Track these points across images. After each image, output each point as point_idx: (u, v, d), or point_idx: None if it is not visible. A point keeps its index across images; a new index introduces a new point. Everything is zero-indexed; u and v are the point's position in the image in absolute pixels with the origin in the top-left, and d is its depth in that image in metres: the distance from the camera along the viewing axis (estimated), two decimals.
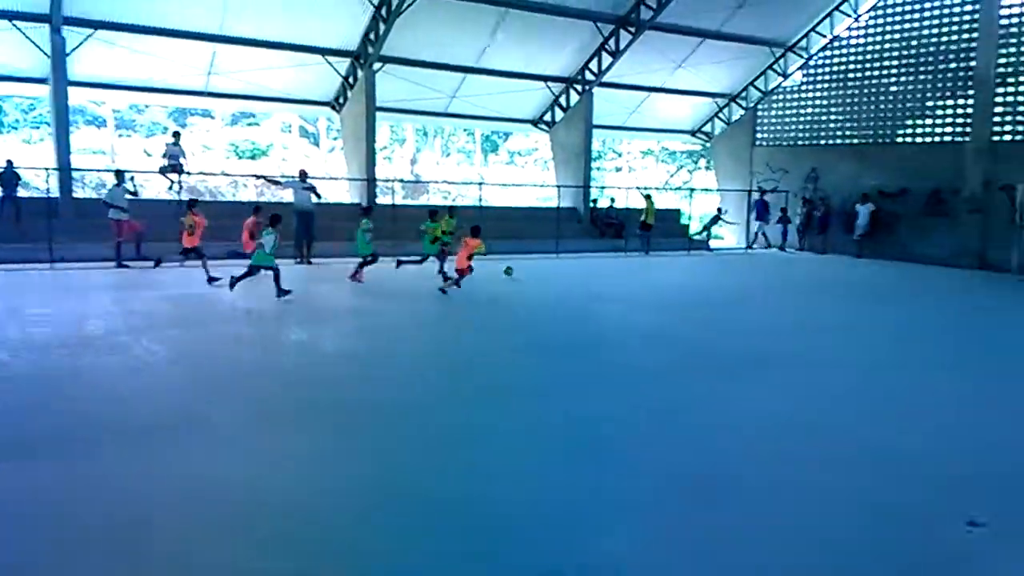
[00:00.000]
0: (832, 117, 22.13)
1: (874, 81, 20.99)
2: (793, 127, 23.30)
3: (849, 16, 21.52)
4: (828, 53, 22.21)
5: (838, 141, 21.98)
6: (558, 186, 22.96)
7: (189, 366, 7.21)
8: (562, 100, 22.65)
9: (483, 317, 10.89)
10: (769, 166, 23.84)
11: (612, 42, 20.56)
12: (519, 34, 19.51)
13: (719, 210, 24.06)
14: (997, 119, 18.24)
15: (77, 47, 15.95)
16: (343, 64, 19.21)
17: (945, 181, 19.20)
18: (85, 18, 15.75)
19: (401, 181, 30.30)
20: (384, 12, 17.29)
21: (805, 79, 22.94)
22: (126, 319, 9.32)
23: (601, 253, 20.07)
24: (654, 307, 11.86)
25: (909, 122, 20.25)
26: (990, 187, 18.19)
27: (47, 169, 15.91)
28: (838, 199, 21.78)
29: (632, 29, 20.01)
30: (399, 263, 14.19)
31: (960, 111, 19.11)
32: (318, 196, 16.33)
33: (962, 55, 18.97)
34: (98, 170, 25.15)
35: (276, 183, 18.39)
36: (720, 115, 25.39)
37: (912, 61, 20.09)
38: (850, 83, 21.59)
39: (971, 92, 18.69)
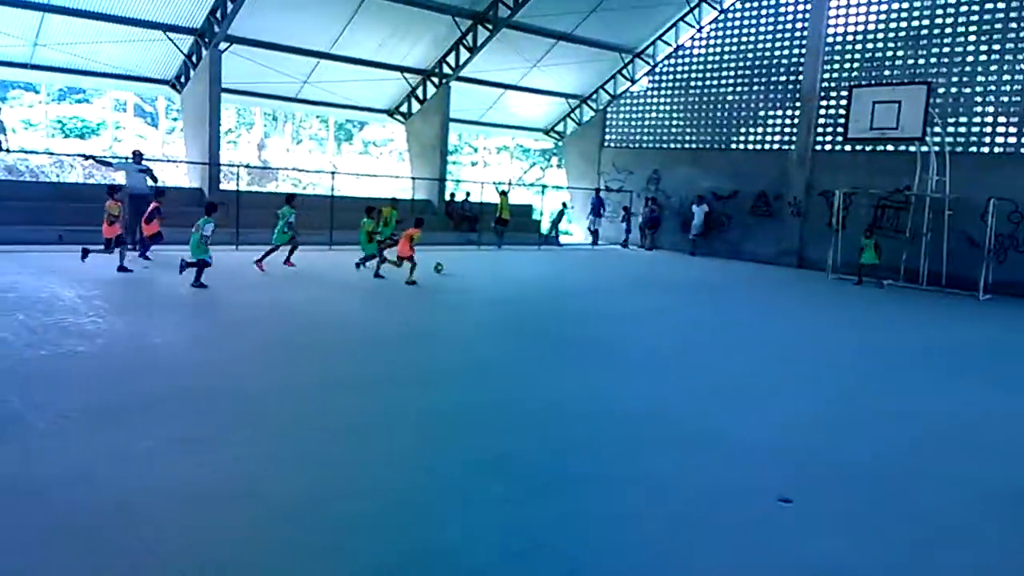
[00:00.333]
0: (674, 122, 23.39)
1: (713, 90, 22.37)
2: (639, 130, 24.42)
3: (692, 27, 22.80)
4: (672, 61, 23.44)
5: (679, 145, 23.26)
6: (413, 178, 22.85)
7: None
8: (419, 92, 22.55)
9: (317, 307, 10.68)
10: (615, 166, 24.90)
11: (470, 37, 20.71)
12: (376, 22, 19.22)
13: (563, 204, 24.90)
14: (819, 130, 19.96)
15: None
16: (186, 41, 18.14)
17: (772, 186, 20.82)
18: None
19: (247, 167, 28.99)
20: None
21: (651, 85, 24.09)
22: None
23: (454, 246, 20.16)
24: (496, 299, 12.10)
25: (743, 130, 21.76)
26: (811, 192, 19.93)
27: None
28: (677, 200, 23.09)
29: (490, 26, 20.24)
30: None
31: (788, 121, 20.74)
32: (154, 180, 15.34)
33: (791, 70, 20.59)
34: None
35: (107, 164, 17.09)
36: (572, 115, 26.20)
37: (747, 73, 21.59)
38: (691, 91, 22.90)
39: (798, 104, 20.35)
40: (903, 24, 18.28)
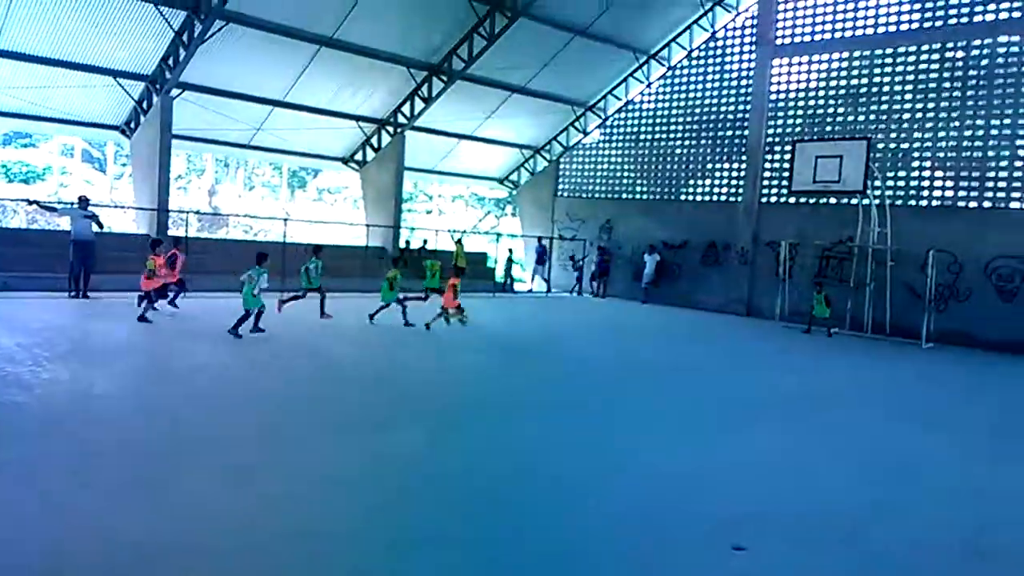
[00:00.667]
0: (626, 173, 23.87)
1: (663, 143, 22.93)
2: (591, 180, 24.85)
3: (642, 83, 23.46)
4: (623, 115, 24.01)
5: (631, 195, 23.71)
6: (367, 225, 22.79)
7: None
8: (374, 140, 22.65)
9: (287, 357, 10.48)
10: (569, 215, 25.23)
11: (425, 88, 20.95)
12: (331, 72, 19.35)
13: (510, 251, 25.15)
14: (765, 182, 20.56)
15: None
16: (137, 88, 17.99)
17: (721, 236, 21.29)
18: None
19: (197, 213, 28.60)
20: (185, 38, 16.47)
21: (603, 137, 24.61)
22: None
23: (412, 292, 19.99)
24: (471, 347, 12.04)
25: (692, 182, 22.29)
26: (758, 243, 20.42)
27: None
28: (629, 249, 23.44)
29: (444, 78, 20.52)
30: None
31: (735, 174, 21.31)
32: (100, 226, 15.02)
33: (737, 124, 21.25)
34: None
35: (52, 210, 16.66)
36: (526, 165, 26.56)
37: (695, 127, 22.22)
38: (642, 143, 23.45)
39: (744, 158, 20.96)
40: (843, 82, 19.09)
